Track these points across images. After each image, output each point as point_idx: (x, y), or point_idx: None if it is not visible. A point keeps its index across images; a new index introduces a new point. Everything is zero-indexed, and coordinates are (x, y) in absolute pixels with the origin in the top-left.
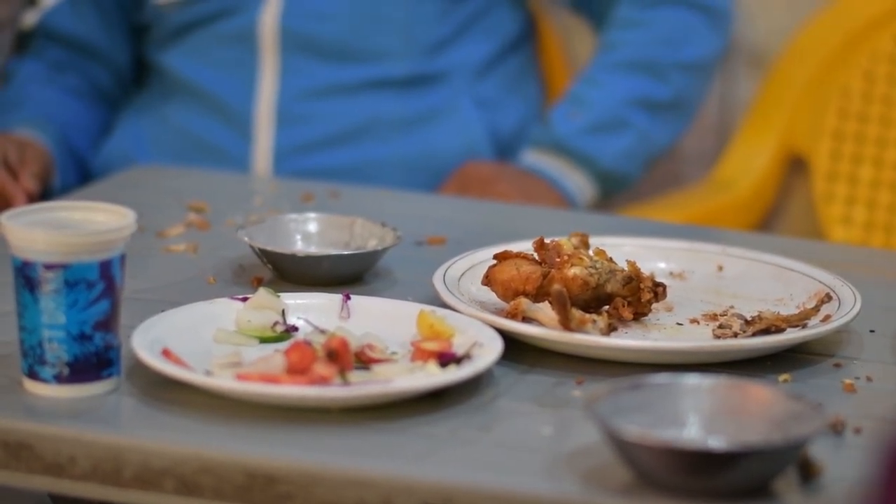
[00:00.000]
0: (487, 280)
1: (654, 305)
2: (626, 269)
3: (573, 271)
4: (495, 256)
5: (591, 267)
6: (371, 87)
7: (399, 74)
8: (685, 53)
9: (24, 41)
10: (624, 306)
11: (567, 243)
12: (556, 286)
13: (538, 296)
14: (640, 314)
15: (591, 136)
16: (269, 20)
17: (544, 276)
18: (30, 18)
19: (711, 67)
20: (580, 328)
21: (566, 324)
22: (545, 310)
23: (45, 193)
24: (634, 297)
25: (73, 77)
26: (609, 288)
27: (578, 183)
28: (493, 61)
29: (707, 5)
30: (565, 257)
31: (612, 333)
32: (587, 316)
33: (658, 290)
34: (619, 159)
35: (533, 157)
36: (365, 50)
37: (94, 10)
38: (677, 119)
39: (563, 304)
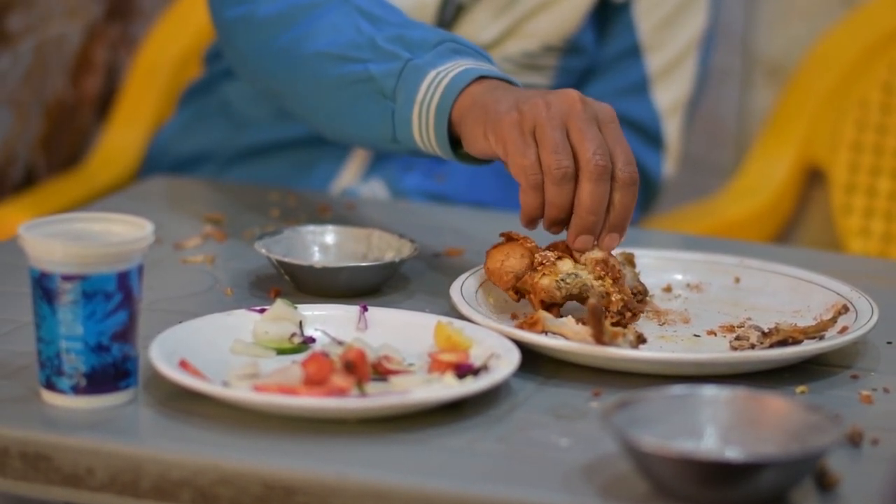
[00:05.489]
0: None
1: (672, 317)
2: (621, 283)
3: (543, 281)
4: (501, 235)
5: (560, 280)
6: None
7: None
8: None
9: None
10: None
11: (551, 254)
12: (592, 300)
13: (518, 292)
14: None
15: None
16: None
17: (517, 278)
18: None
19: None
20: (613, 342)
21: (600, 337)
22: (569, 324)
23: None
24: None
25: None
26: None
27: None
28: None
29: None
30: (548, 263)
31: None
32: (618, 329)
33: (626, 315)
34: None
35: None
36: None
37: None
38: None
39: (598, 319)
